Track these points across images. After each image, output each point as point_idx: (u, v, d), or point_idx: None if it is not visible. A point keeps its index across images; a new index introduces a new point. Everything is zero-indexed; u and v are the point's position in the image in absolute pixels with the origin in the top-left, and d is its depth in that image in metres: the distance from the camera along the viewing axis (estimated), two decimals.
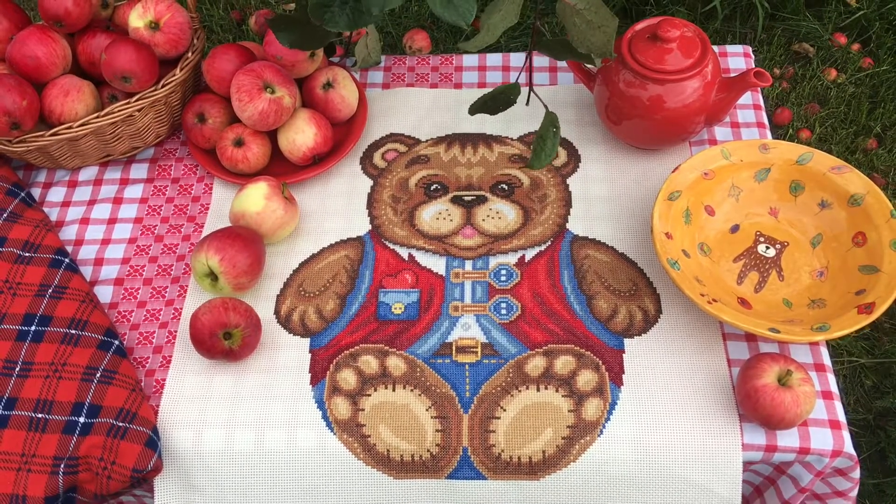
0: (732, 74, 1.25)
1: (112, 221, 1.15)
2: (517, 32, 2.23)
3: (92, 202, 1.17)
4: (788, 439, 0.93)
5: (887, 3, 2.23)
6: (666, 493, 0.94)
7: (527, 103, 1.03)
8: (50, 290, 1.04)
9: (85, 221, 1.15)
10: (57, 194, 1.18)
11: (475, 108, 1.05)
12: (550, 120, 1.00)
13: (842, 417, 0.94)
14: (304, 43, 1.05)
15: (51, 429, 0.95)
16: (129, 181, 1.19)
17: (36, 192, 1.19)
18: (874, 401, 1.69)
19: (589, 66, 1.17)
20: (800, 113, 2.11)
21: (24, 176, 1.21)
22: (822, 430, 0.93)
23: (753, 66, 1.27)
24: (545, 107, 0.99)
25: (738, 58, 1.27)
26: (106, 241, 1.13)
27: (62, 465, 0.92)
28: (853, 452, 0.92)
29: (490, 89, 1.26)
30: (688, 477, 0.93)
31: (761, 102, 1.21)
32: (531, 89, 1.06)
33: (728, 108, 1.10)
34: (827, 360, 0.98)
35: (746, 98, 1.21)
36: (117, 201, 1.17)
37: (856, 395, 1.71)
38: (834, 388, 0.96)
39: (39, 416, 0.95)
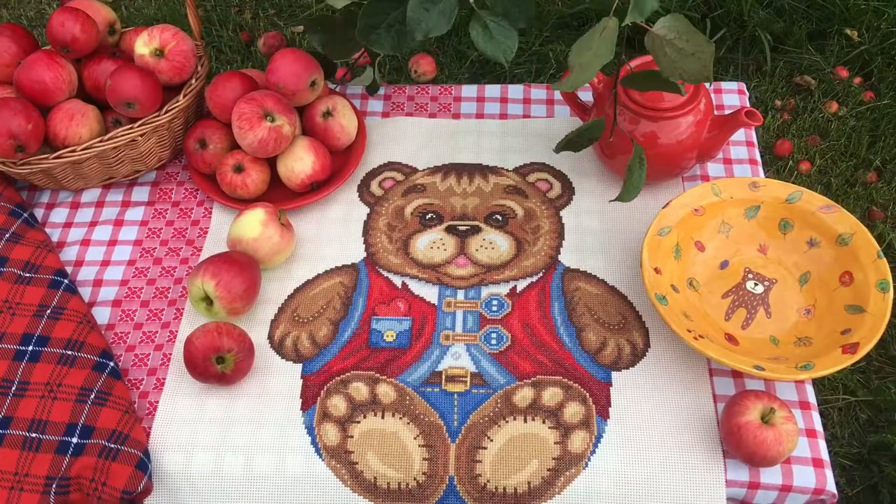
0: (727, 111, 1.27)
1: (112, 243, 1.17)
2: (522, 59, 2.25)
3: (93, 224, 1.19)
4: (771, 476, 0.94)
5: (889, 37, 2.25)
6: None
7: (610, 137, 1.03)
8: (48, 311, 1.06)
9: (86, 243, 1.17)
10: (59, 215, 1.20)
11: (561, 147, 1.06)
12: (637, 153, 1.01)
13: (825, 456, 0.95)
14: (335, 50, 1.07)
15: (44, 449, 0.96)
16: (130, 203, 1.21)
17: (39, 213, 1.21)
18: (868, 435, 1.70)
19: (587, 98, 1.19)
20: (800, 145, 2.12)
21: (28, 196, 1.23)
22: (805, 468, 0.94)
23: (748, 102, 1.29)
24: (632, 140, 1.00)
25: (732, 94, 1.28)
26: (105, 263, 1.15)
27: (54, 486, 0.94)
28: (835, 491, 0.93)
29: (489, 120, 1.28)
30: None
31: (754, 139, 1.22)
32: (614, 124, 1.07)
33: (720, 145, 1.12)
34: (812, 398, 0.99)
35: (739, 135, 1.22)
36: (118, 223, 1.19)
37: (850, 428, 1.71)
38: (818, 426, 0.97)
39: (33, 435, 0.97)
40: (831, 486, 0.93)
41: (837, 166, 2.08)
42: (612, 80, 1.13)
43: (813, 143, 2.12)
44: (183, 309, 1.10)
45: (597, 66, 0.89)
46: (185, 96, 1.17)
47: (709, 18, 2.26)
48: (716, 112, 1.24)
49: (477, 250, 1.13)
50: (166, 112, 1.15)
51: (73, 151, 1.12)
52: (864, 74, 2.24)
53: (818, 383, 1.72)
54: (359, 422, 0.99)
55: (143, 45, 1.15)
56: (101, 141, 1.12)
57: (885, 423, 1.70)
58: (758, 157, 1.20)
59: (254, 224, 1.08)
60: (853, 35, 2.28)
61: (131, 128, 1.13)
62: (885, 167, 2.06)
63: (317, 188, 1.18)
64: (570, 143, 1.04)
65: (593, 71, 0.89)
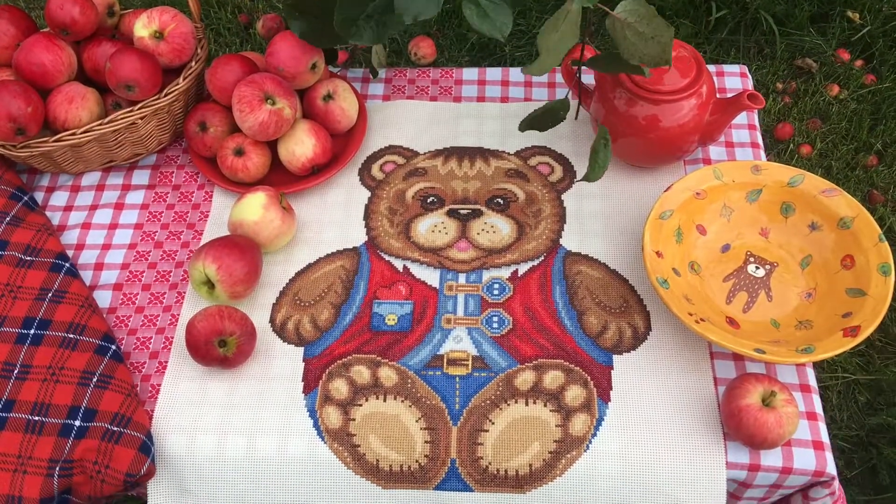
0: (729, 94, 1.26)
1: (113, 227, 1.17)
2: (522, 42, 2.24)
3: (94, 207, 1.19)
4: (772, 459, 0.94)
5: (891, 20, 2.24)
6: None
7: (576, 117, 1.03)
8: (50, 294, 1.06)
9: (86, 226, 1.17)
10: (60, 199, 1.20)
11: (525, 125, 1.06)
12: (602, 133, 1.01)
13: (825, 438, 0.95)
14: (315, 37, 1.06)
15: (47, 431, 0.96)
16: (130, 187, 1.21)
17: (39, 196, 1.20)
18: (867, 417, 1.70)
19: (589, 82, 1.19)
20: (801, 128, 2.11)
21: (28, 180, 1.23)
22: (806, 451, 0.94)
23: (750, 85, 1.29)
24: (596, 121, 1.00)
25: (734, 77, 1.28)
26: (106, 247, 1.15)
27: (57, 468, 0.94)
28: (834, 473, 0.94)
29: (490, 103, 1.28)
30: (672, 494, 0.95)
31: (756, 122, 1.22)
32: (580, 104, 1.07)
33: (722, 128, 1.12)
34: (812, 381, 0.99)
35: (742, 118, 1.22)
36: (119, 206, 1.18)
37: (849, 411, 1.72)
38: (818, 409, 0.97)
39: (36, 418, 0.97)
40: (831, 468, 0.93)
41: (838, 149, 2.07)
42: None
43: (814, 126, 2.11)
44: (184, 292, 1.10)
45: (564, 48, 0.90)
46: (184, 79, 1.16)
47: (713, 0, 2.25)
48: (718, 95, 1.24)
49: (478, 234, 1.13)
50: (166, 95, 1.15)
51: (73, 134, 1.12)
52: (866, 57, 2.23)
53: (817, 365, 1.72)
54: (361, 405, 1.00)
55: (143, 27, 1.15)
56: (100, 124, 1.12)
57: (884, 405, 1.70)
58: (760, 141, 1.20)
59: (255, 207, 1.08)
60: (855, 18, 2.27)
61: (131, 111, 1.13)
62: (885, 150, 2.06)
63: (318, 171, 1.18)
64: (535, 122, 1.04)
65: (561, 54, 0.90)
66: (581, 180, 1.02)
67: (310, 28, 1.02)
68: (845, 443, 1.67)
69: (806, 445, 0.95)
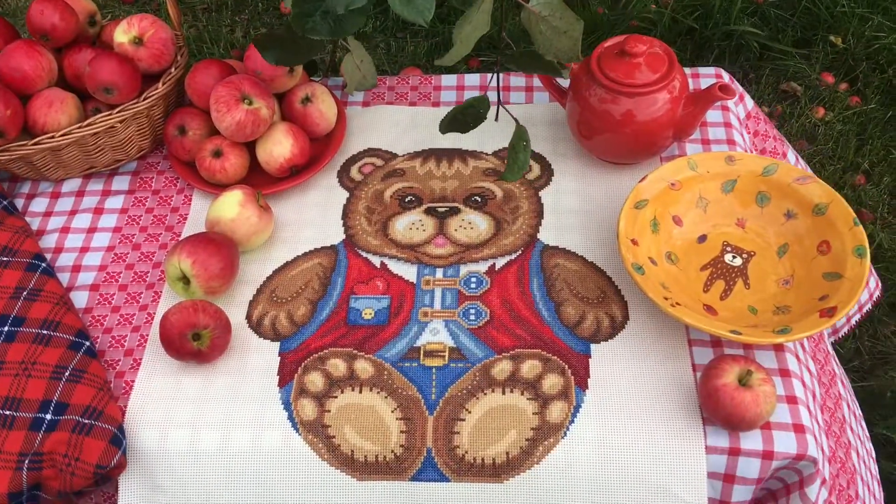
0: None
1: (92, 230, 1.17)
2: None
3: (73, 212, 1.19)
4: (752, 442, 0.92)
5: (873, 43, 2.27)
6: (629, 496, 0.94)
7: (496, 118, 1.05)
8: (25, 293, 1.06)
9: (65, 230, 1.17)
10: (39, 205, 1.20)
11: (445, 125, 1.07)
12: (520, 133, 1.02)
13: (806, 421, 0.94)
14: (289, 59, 1.08)
15: (17, 426, 0.95)
16: (110, 192, 1.21)
17: (19, 203, 1.21)
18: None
19: (559, 80, 1.20)
20: None
21: (9, 188, 1.23)
22: (786, 434, 0.93)
23: None
24: (515, 120, 1.01)
25: (709, 79, 1.29)
26: (84, 249, 1.15)
27: (27, 461, 0.93)
28: (817, 456, 0.92)
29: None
30: (651, 479, 0.93)
31: (731, 120, 1.23)
32: (500, 104, 1.09)
33: (696, 122, 1.12)
34: (793, 365, 0.98)
35: (717, 116, 1.23)
36: (98, 211, 1.19)
37: None
38: (799, 392, 0.96)
39: (7, 412, 0.96)
40: (813, 451, 0.92)
41: (826, 169, 2.08)
42: (586, 64, 1.14)
43: (801, 147, 2.13)
44: (161, 292, 1.10)
45: (475, 37, 0.91)
46: (164, 84, 1.18)
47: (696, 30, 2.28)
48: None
49: (456, 230, 1.13)
50: (145, 99, 1.16)
51: (52, 138, 1.13)
52: (850, 80, 2.26)
53: None
54: (336, 397, 0.98)
55: (122, 32, 1.17)
56: (79, 127, 1.13)
57: (879, 418, 1.68)
58: (735, 138, 1.21)
59: (232, 205, 1.08)
60: (837, 41, 2.30)
61: (110, 114, 1.14)
62: (872, 170, 2.07)
63: (296, 173, 1.18)
64: (455, 122, 1.05)
65: (471, 43, 0.91)
66: (499, 179, 1.03)
67: (283, 53, 1.05)
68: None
69: (787, 429, 0.93)
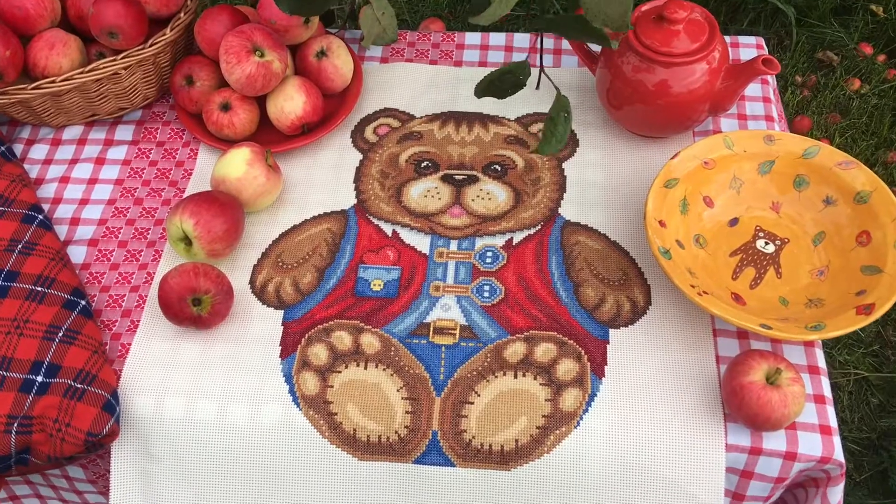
0: None
1: (92, 182, 1.12)
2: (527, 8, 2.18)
3: (74, 161, 1.14)
4: (775, 442, 0.88)
5: None
6: (642, 492, 0.89)
7: (537, 87, 0.98)
8: (20, 246, 1.01)
9: (65, 180, 1.12)
10: (39, 151, 1.15)
11: (481, 90, 1.01)
12: (562, 104, 0.96)
13: (833, 423, 0.89)
14: (305, 7, 1.02)
15: (7, 386, 0.91)
16: (113, 142, 1.16)
17: (18, 148, 1.16)
18: (879, 420, 1.63)
19: (596, 47, 1.13)
20: (820, 122, 2.05)
21: (8, 132, 1.18)
22: (812, 435, 0.88)
23: None
24: (557, 89, 0.95)
25: (749, 49, 1.22)
26: (84, 202, 1.10)
27: (16, 424, 0.89)
28: (842, 460, 0.87)
29: (493, 69, 1.22)
30: (666, 476, 0.89)
31: (771, 95, 1.16)
32: (542, 71, 1.02)
33: (734, 96, 1.05)
34: (822, 362, 0.93)
35: (756, 90, 1.16)
36: (99, 161, 1.13)
37: (860, 412, 1.65)
38: (827, 392, 0.91)
39: None
40: (839, 454, 0.87)
41: (857, 145, 2.00)
42: None
43: (833, 120, 2.05)
44: (162, 251, 1.05)
45: None
46: (172, 30, 1.11)
47: None
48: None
49: (473, 200, 1.07)
50: (151, 45, 1.10)
51: (53, 82, 1.07)
52: (889, 52, 2.17)
53: (828, 363, 1.65)
54: (340, 372, 0.94)
55: None
56: (81, 72, 1.07)
57: None
58: (774, 114, 1.14)
59: (238, 163, 1.03)
60: (878, 11, 2.20)
61: (114, 59, 1.08)
62: None
63: (308, 131, 1.12)
64: (492, 87, 0.99)
65: (510, 3, 0.86)
66: (533, 152, 0.97)
67: (299, 1, 0.99)
68: (856, 445, 1.60)
69: (812, 430, 0.88)
